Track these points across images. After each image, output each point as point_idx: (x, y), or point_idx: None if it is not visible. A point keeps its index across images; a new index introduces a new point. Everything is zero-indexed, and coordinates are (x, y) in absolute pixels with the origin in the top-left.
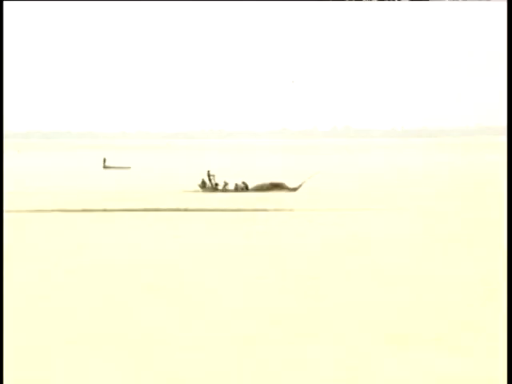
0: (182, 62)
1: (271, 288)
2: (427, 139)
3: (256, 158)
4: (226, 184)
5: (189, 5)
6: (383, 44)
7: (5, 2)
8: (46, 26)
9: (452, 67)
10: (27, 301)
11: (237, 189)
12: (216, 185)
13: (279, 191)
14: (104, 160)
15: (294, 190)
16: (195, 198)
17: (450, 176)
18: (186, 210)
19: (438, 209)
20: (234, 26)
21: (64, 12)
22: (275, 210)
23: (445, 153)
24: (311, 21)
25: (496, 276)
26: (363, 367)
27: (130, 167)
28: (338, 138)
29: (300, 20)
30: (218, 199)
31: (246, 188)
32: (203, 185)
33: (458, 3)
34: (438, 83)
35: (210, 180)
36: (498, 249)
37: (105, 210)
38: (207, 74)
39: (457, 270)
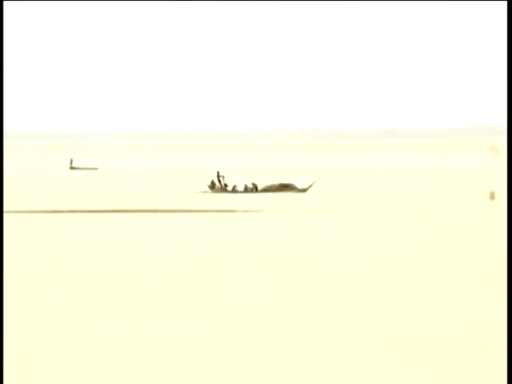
0: (147, 63)
1: (269, 288)
2: (397, 140)
3: (236, 158)
4: (235, 185)
5: (151, 5)
6: (353, 45)
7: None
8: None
9: (422, 68)
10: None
11: (246, 189)
12: (225, 185)
13: (288, 192)
14: (71, 161)
15: (304, 190)
16: (206, 199)
17: (429, 176)
18: (201, 211)
19: (421, 210)
20: (200, 24)
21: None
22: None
23: (416, 154)
24: (281, 20)
25: (495, 277)
26: (364, 369)
27: (97, 168)
28: (307, 139)
29: (269, 19)
30: (229, 200)
31: (255, 189)
32: (212, 185)
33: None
34: (405, 84)
35: (219, 181)
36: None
37: (115, 211)
38: (173, 75)
39: (454, 270)
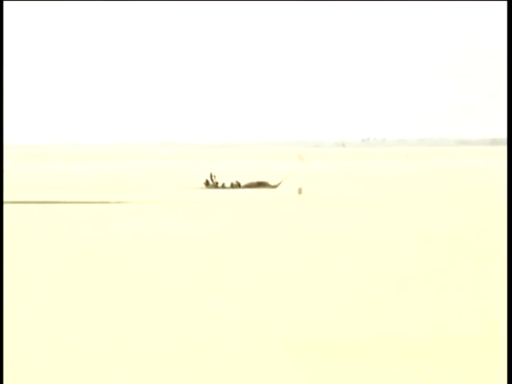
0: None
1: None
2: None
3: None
4: (223, 183)
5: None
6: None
7: None
8: None
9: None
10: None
11: (232, 186)
12: (217, 183)
13: (264, 188)
14: None
15: (275, 187)
16: (204, 193)
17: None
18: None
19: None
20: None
21: None
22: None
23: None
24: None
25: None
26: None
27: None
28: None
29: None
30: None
31: (238, 185)
32: (207, 183)
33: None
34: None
35: (212, 179)
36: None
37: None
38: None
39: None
